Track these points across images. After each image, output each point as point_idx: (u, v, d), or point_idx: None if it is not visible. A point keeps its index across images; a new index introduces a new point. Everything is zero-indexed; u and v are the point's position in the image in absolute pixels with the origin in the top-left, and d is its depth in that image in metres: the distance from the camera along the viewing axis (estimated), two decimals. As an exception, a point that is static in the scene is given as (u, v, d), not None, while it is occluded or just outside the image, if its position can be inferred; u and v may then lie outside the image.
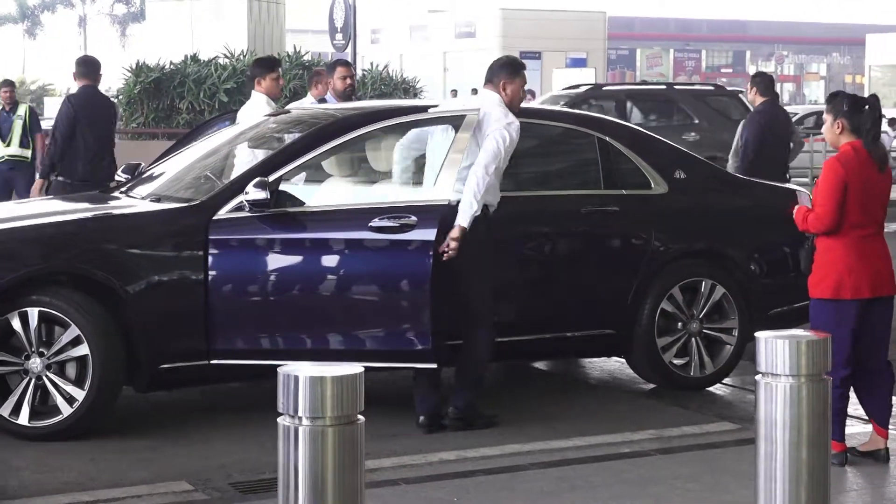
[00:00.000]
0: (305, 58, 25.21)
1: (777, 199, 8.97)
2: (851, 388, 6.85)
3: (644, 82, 24.46)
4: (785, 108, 12.90)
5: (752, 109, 12.72)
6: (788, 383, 4.62)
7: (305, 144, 7.86)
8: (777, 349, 4.64)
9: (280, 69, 10.28)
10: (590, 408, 8.24)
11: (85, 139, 10.95)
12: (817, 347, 4.64)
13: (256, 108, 9.89)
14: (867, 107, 6.74)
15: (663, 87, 23.56)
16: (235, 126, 9.46)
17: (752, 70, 68.50)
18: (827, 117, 6.84)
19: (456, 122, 7.66)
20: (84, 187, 10.36)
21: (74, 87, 11.30)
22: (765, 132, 11.49)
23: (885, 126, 26.76)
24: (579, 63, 47.98)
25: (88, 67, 11.28)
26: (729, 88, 22.84)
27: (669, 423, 7.78)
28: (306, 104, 10.43)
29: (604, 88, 23.09)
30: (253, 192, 7.40)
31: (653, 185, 8.61)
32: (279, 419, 3.83)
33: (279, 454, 3.83)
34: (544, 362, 9.48)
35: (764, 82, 11.82)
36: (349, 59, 25.05)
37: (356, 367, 3.89)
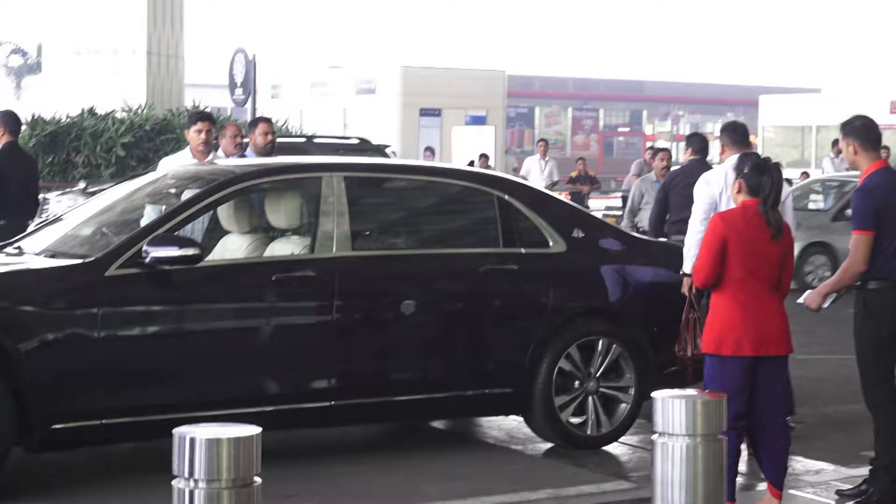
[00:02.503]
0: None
1: (672, 256, 9.06)
2: (743, 445, 6.91)
3: (284, 133, 22.90)
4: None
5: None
6: (685, 443, 4.65)
7: (201, 199, 7.88)
8: (673, 409, 4.67)
9: (203, 122, 10.17)
10: (487, 467, 8.22)
11: (11, 194, 11.14)
12: (713, 407, 4.69)
13: (176, 158, 10.00)
14: (768, 171, 6.83)
15: (302, 139, 21.01)
16: (132, 181, 9.39)
17: (648, 129, 69.41)
18: (731, 176, 6.96)
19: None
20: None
21: None
22: (671, 191, 11.48)
23: (829, 154, 27.24)
24: (479, 120, 48.21)
25: (16, 124, 11.44)
26: (376, 143, 21.19)
27: (567, 482, 7.79)
28: (181, 158, 10.34)
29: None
30: (154, 249, 7.37)
31: (551, 244, 8.66)
32: (174, 482, 3.77)
33: (173, 518, 3.77)
34: (442, 421, 9.45)
35: (694, 142, 11.79)
36: (249, 115, 25.00)
37: (253, 428, 3.85)
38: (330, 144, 19.53)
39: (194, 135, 10.09)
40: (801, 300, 7.29)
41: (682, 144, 12.25)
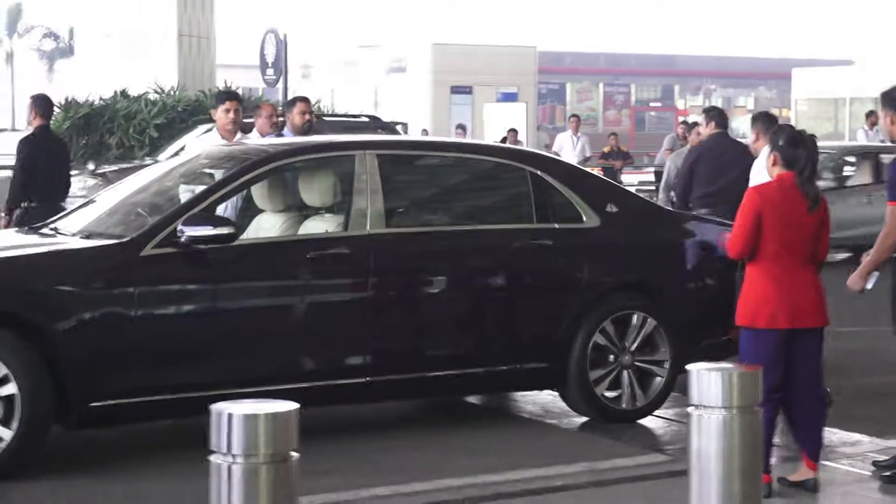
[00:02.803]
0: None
1: (707, 230, 9.04)
2: (779, 418, 6.91)
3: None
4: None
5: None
6: (721, 415, 4.65)
7: (235, 179, 7.92)
8: (709, 382, 4.67)
9: (231, 101, 10.19)
10: (523, 441, 8.24)
11: (41, 177, 11.23)
12: (749, 379, 4.68)
13: (204, 139, 10.04)
14: (804, 143, 6.81)
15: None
16: (167, 161, 9.44)
17: (680, 103, 69.12)
18: (767, 149, 6.94)
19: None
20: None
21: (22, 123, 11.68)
22: (697, 165, 11.47)
23: (863, 126, 27.06)
24: (510, 97, 48.14)
25: (48, 108, 11.66)
26: (387, 121, 21.32)
27: (602, 455, 7.80)
28: (209, 139, 10.36)
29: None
30: (189, 228, 7.42)
31: (585, 219, 8.66)
32: (211, 457, 3.80)
33: (211, 493, 3.80)
34: (477, 396, 9.47)
35: (715, 115, 11.79)
36: (281, 95, 25.04)
37: (290, 404, 3.87)
38: (340, 122, 19.37)
39: (222, 114, 10.11)
40: (848, 283, 7.28)
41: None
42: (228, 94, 10.50)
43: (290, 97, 13.22)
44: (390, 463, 7.67)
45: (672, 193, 13.60)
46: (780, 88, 64.89)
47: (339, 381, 7.92)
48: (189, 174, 8.65)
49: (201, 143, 10.04)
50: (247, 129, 10.75)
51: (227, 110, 10.07)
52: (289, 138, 10.22)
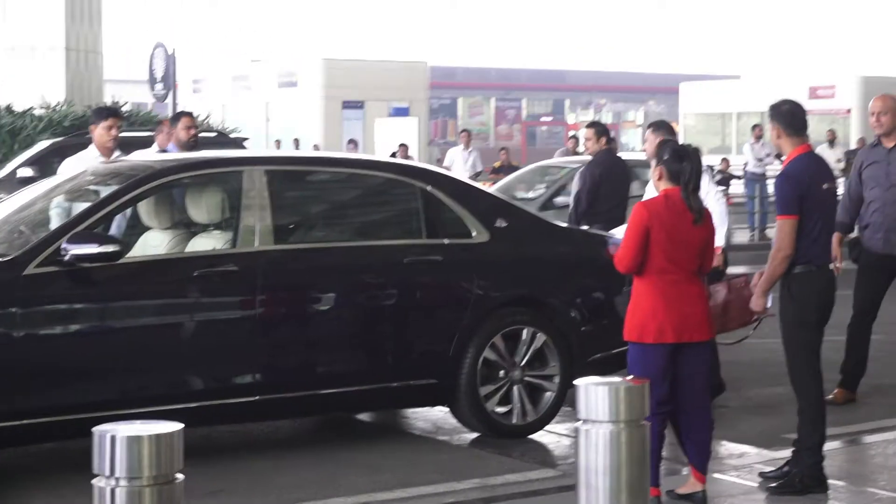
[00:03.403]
0: (125, 108, 24.89)
1: (595, 244, 9.10)
2: (667, 430, 6.97)
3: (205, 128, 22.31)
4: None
5: None
6: (608, 430, 4.66)
7: (120, 196, 7.83)
8: (597, 396, 4.69)
9: (114, 118, 10.04)
10: (414, 458, 8.22)
11: None
12: (636, 393, 4.70)
13: (81, 157, 9.86)
14: (688, 157, 6.88)
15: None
16: (52, 178, 9.30)
17: (571, 118, 69.68)
18: (652, 163, 7.01)
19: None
20: None
21: None
22: (600, 182, 11.65)
23: (749, 140, 27.34)
24: (402, 112, 48.21)
25: None
26: (234, 136, 21.17)
27: (493, 471, 7.81)
28: (86, 157, 10.16)
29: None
30: (73, 246, 7.31)
31: (474, 234, 8.67)
32: (94, 480, 3.74)
33: (94, 517, 3.74)
34: (369, 413, 9.44)
35: (604, 130, 12.00)
36: (170, 110, 24.80)
37: (175, 425, 3.82)
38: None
39: (103, 131, 9.95)
40: (751, 305, 7.36)
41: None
42: (110, 111, 10.34)
43: (179, 111, 13.11)
44: (282, 481, 7.61)
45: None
46: (668, 103, 65.70)
47: (228, 400, 7.84)
48: (74, 191, 8.53)
49: (78, 161, 9.83)
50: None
51: (109, 127, 9.92)
52: (175, 154, 10.12)
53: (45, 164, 18.76)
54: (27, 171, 18.38)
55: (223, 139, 19.09)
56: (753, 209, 26.58)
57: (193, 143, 10.60)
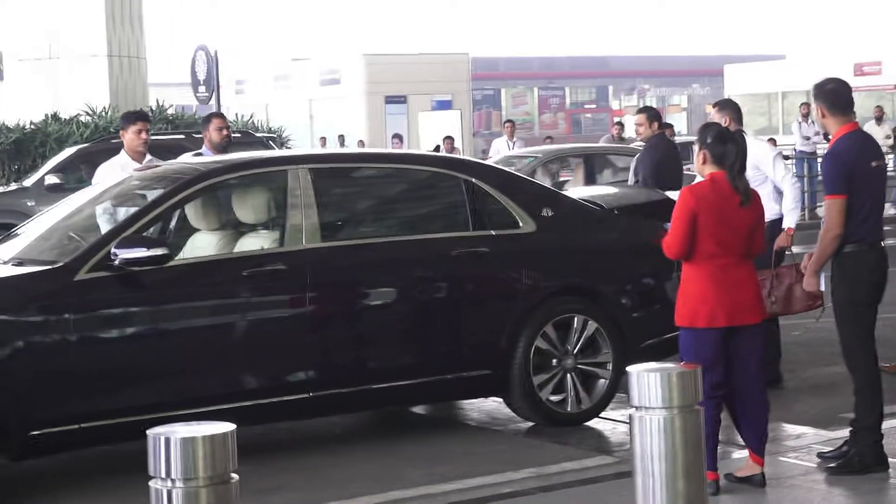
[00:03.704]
0: (169, 111, 25.05)
1: (643, 231, 9.06)
2: (723, 415, 6.93)
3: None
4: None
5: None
6: (661, 416, 4.65)
7: (167, 199, 7.87)
8: (649, 382, 4.67)
9: (143, 122, 10.09)
10: (470, 449, 8.22)
11: None
12: (688, 379, 4.68)
13: (113, 163, 9.87)
14: (731, 139, 6.84)
15: (181, 136, 19.18)
16: (99, 184, 9.35)
17: (615, 104, 69.47)
18: (695, 148, 6.97)
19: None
20: None
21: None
22: (660, 166, 11.60)
23: (798, 119, 27.25)
24: (445, 105, 48.21)
25: None
26: (259, 135, 21.00)
27: (549, 460, 7.80)
28: (118, 162, 10.19)
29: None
30: (123, 251, 7.35)
31: (521, 225, 8.66)
32: (151, 482, 3.76)
33: (153, 519, 3.76)
34: (423, 406, 9.45)
35: (656, 115, 11.97)
36: (214, 111, 24.91)
37: (227, 425, 3.83)
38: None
39: (133, 135, 9.98)
40: (804, 286, 7.32)
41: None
42: (139, 115, 10.36)
43: (210, 113, 13.10)
44: (339, 476, 7.63)
45: None
46: (713, 85, 65.41)
47: (281, 398, 7.86)
48: (121, 196, 8.58)
49: (111, 167, 9.84)
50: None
51: (139, 131, 9.95)
52: (222, 156, 10.15)
53: (71, 171, 18.89)
54: (53, 179, 18.53)
55: (249, 139, 19.10)
56: (803, 188, 26.42)
57: (226, 144, 10.58)
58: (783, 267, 8.31)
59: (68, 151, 19.81)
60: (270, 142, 19.86)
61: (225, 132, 10.59)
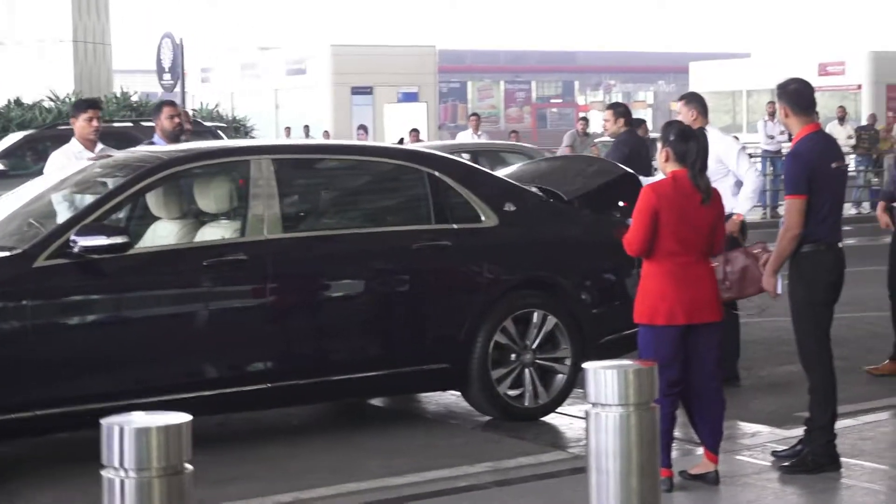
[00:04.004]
0: (133, 98, 24.93)
1: (604, 227, 9.09)
2: (678, 412, 6.96)
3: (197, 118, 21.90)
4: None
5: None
6: (617, 413, 4.66)
7: (129, 187, 7.83)
8: (605, 379, 4.67)
9: (93, 110, 9.99)
10: (428, 442, 8.24)
11: None
12: (644, 376, 4.69)
13: (66, 150, 9.80)
14: (694, 137, 6.87)
15: (129, 124, 18.70)
16: (59, 171, 9.29)
17: (581, 99, 69.58)
18: (658, 145, 7.00)
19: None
20: None
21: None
22: (628, 162, 11.61)
23: (763, 117, 27.34)
24: (411, 97, 48.17)
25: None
26: (209, 125, 20.31)
27: (506, 454, 7.82)
28: (69, 150, 10.12)
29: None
30: (82, 238, 7.32)
31: (483, 218, 8.67)
32: (102, 472, 3.74)
33: (104, 508, 3.74)
34: (381, 398, 9.45)
35: (624, 112, 11.98)
36: (179, 99, 24.82)
37: (182, 415, 3.82)
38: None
39: (84, 123, 9.89)
40: (763, 286, 7.33)
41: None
42: (89, 103, 10.26)
43: (187, 101, 13.03)
44: (298, 467, 7.63)
45: None
46: (678, 82, 65.56)
47: (240, 388, 7.85)
48: (82, 183, 8.53)
49: (63, 154, 9.77)
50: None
51: (90, 119, 9.88)
52: (184, 145, 10.09)
53: (16, 158, 18.62)
54: None
55: (199, 128, 18.87)
56: (765, 187, 26.51)
57: (179, 133, 10.48)
58: (733, 251, 8.32)
59: (13, 137, 19.47)
60: (220, 132, 19.67)
61: (177, 120, 10.46)
